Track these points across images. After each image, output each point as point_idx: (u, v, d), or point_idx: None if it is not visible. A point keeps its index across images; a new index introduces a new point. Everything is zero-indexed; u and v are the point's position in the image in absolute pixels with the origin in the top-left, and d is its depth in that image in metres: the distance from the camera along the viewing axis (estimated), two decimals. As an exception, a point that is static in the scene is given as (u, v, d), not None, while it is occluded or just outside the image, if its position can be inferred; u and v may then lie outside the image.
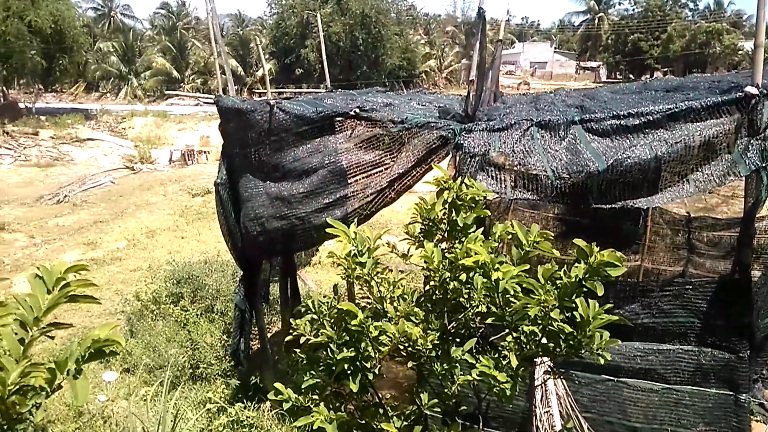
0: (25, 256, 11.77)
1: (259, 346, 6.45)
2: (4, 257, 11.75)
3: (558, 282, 3.06)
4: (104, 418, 5.79)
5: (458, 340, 3.48)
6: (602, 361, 3.03)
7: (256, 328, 6.18)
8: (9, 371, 2.02)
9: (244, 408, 5.69)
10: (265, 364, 6.01)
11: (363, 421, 3.21)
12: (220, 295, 8.03)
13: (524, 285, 3.04)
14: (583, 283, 3.00)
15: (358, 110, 5.02)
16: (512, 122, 4.49)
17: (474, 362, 3.17)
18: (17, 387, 1.99)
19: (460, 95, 6.17)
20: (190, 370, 6.70)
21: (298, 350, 3.62)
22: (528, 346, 3.15)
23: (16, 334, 2.21)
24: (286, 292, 6.47)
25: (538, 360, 3.93)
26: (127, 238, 12.56)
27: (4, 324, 2.20)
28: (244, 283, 5.80)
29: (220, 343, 7.04)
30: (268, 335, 6.43)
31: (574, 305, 3.00)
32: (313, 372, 3.35)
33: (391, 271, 3.34)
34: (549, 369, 4.10)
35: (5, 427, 2.04)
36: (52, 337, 2.38)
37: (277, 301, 7.11)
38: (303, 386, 3.28)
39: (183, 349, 7.00)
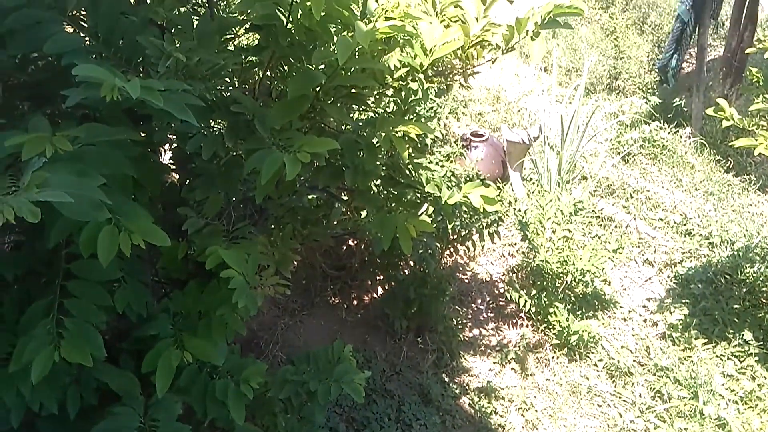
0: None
1: (694, 67, 5.83)
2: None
3: None
4: (519, 109, 6.12)
5: None
6: None
7: (695, 47, 5.52)
8: (469, 27, 2.14)
9: (660, 128, 5.43)
10: (696, 88, 5.46)
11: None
12: (657, 6, 7.25)
13: None
14: None
15: None
16: None
17: None
18: (478, 40, 2.13)
19: None
20: (608, 80, 6.53)
21: (753, 69, 3.11)
22: None
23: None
24: (741, 10, 5.45)
25: None
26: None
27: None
28: (692, -9, 5.04)
29: (647, 57, 6.56)
30: (708, 57, 5.70)
31: None
32: (766, 96, 2.88)
33: None
34: None
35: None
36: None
37: (726, 21, 6.09)
38: (750, 109, 2.87)
39: (605, 57, 6.77)
